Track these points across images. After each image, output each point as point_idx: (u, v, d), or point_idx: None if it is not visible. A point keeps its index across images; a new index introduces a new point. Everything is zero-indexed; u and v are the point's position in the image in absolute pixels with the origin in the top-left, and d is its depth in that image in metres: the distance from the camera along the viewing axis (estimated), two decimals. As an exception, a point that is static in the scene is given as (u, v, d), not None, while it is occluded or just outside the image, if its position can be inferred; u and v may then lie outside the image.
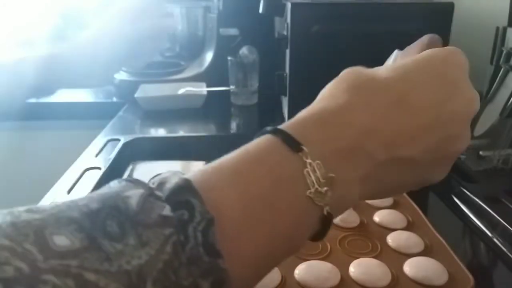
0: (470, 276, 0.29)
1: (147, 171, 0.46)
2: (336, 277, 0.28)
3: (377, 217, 0.36)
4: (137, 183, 0.15)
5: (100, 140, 0.53)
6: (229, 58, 0.68)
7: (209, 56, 0.77)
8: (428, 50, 0.21)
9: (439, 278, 0.28)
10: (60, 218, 0.13)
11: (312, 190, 0.17)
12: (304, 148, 0.17)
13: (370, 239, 0.33)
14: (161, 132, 0.61)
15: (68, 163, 0.46)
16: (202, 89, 0.69)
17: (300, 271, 0.28)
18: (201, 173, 0.17)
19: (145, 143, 0.53)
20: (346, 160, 0.18)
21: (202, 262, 0.14)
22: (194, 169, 0.17)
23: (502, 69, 0.42)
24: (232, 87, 0.69)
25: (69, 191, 0.40)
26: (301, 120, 0.19)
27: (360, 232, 0.34)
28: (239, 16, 0.71)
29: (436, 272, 0.29)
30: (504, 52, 0.42)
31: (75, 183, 0.42)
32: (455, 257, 0.31)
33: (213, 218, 0.14)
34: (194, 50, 0.83)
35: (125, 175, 0.46)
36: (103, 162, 0.46)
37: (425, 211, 0.37)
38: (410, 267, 0.29)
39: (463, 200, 0.39)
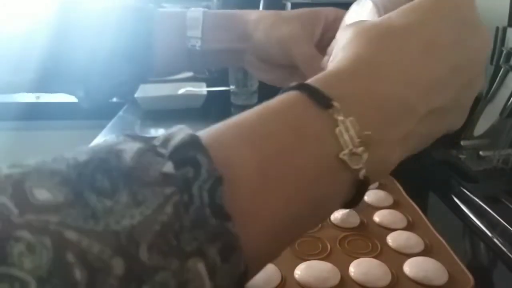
0: (470, 276, 0.29)
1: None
2: (336, 277, 0.28)
3: (377, 217, 0.36)
4: (137, 137, 0.14)
5: (100, 140, 0.53)
6: (229, 58, 0.68)
7: (209, 56, 0.77)
8: None
9: (439, 278, 0.28)
10: (43, 170, 0.12)
11: (346, 151, 0.15)
12: (335, 103, 0.15)
13: (370, 239, 0.33)
14: (161, 132, 0.61)
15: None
16: (202, 89, 0.69)
17: (300, 271, 0.29)
18: (213, 130, 0.15)
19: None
20: (386, 116, 0.16)
21: (208, 225, 0.12)
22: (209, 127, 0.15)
23: (502, 69, 0.42)
24: (232, 87, 0.69)
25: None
26: (328, 73, 0.17)
27: (360, 232, 0.34)
28: (239, 16, 0.71)
29: (436, 272, 0.29)
30: (504, 52, 0.42)
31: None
32: (455, 257, 0.31)
33: (221, 176, 0.13)
34: (194, 50, 0.83)
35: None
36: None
37: (425, 211, 0.37)
38: (410, 267, 0.29)
39: (463, 200, 0.39)
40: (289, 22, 0.30)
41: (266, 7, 0.54)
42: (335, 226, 0.34)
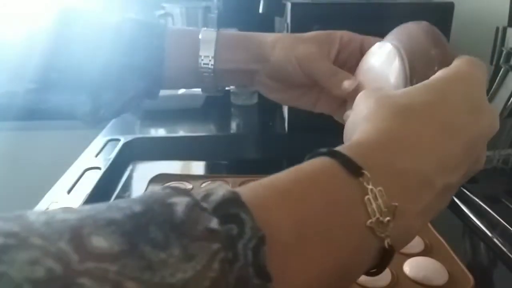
0: (470, 276, 0.29)
1: (147, 171, 0.46)
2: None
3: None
4: (181, 191, 0.14)
5: (100, 140, 0.53)
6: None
7: (209, 56, 0.77)
8: (449, 71, 0.21)
9: (439, 278, 0.28)
10: (99, 218, 0.12)
11: (373, 219, 0.16)
12: (366, 173, 0.16)
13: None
14: (161, 132, 0.61)
15: (68, 163, 0.46)
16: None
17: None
18: (249, 188, 0.15)
19: (145, 143, 0.53)
20: (409, 189, 0.17)
21: (251, 285, 0.13)
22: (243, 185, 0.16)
23: (502, 69, 0.42)
24: (232, 87, 0.69)
25: (69, 191, 0.40)
26: (357, 143, 0.18)
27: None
28: (239, 16, 0.71)
29: (436, 272, 0.29)
30: (504, 52, 0.42)
31: (75, 183, 0.42)
32: (455, 257, 0.31)
33: (265, 236, 0.13)
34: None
35: (125, 175, 0.46)
36: (103, 162, 0.46)
37: (425, 211, 0.37)
38: (410, 267, 0.29)
39: (463, 200, 0.39)
40: (306, 42, 0.31)
41: (266, 6, 0.54)
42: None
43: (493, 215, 0.35)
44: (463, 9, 0.51)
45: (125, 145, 0.51)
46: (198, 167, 0.50)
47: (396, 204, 0.16)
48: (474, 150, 0.19)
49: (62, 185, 0.41)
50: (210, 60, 0.31)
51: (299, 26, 0.48)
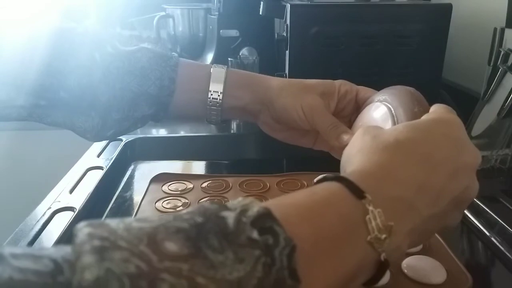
0: (468, 275, 0.29)
1: (148, 170, 0.47)
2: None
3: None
4: (224, 206, 0.17)
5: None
6: (229, 59, 0.69)
7: (209, 57, 0.77)
8: (431, 115, 0.24)
9: (437, 277, 0.29)
10: (169, 227, 0.15)
11: (373, 236, 0.19)
12: (368, 196, 0.19)
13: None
14: (162, 132, 0.62)
15: (70, 163, 0.47)
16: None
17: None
18: (276, 205, 0.18)
19: (146, 143, 0.53)
20: (401, 212, 0.20)
21: (285, 285, 0.15)
22: (266, 202, 0.19)
23: (500, 70, 0.42)
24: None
25: (71, 191, 0.40)
26: (356, 172, 0.21)
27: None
28: (239, 17, 0.72)
29: (435, 271, 0.29)
30: (502, 53, 0.42)
31: (78, 183, 0.42)
32: (453, 256, 0.31)
33: (296, 246, 0.16)
34: (194, 51, 0.83)
35: (127, 175, 0.47)
36: (105, 162, 0.47)
37: (423, 211, 0.37)
38: (408, 266, 0.30)
39: (461, 199, 0.39)
40: (312, 92, 0.34)
41: (266, 8, 0.55)
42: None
43: (491, 214, 0.35)
44: (461, 10, 0.52)
45: (127, 145, 0.51)
46: (198, 167, 0.50)
47: (392, 223, 0.19)
48: (459, 180, 0.22)
49: (64, 185, 0.41)
50: (218, 96, 0.34)
51: (298, 27, 0.48)
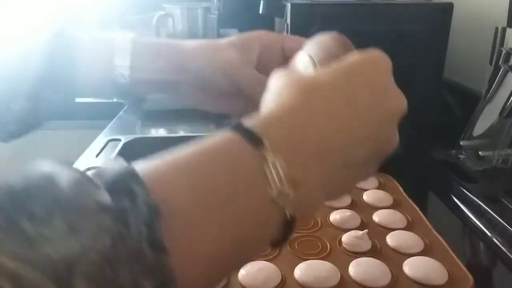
0: (470, 276, 0.29)
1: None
2: (335, 277, 0.28)
3: (376, 217, 0.36)
4: (72, 168, 0.14)
5: (100, 140, 0.53)
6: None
7: (209, 57, 0.77)
8: (354, 56, 0.22)
9: (439, 278, 0.28)
10: None
11: (274, 189, 0.16)
12: (266, 143, 0.16)
13: (370, 239, 0.33)
14: (161, 132, 0.61)
15: (69, 163, 0.46)
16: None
17: (300, 271, 0.29)
18: (150, 164, 0.15)
19: (145, 143, 0.53)
20: (309, 161, 0.17)
21: (145, 259, 0.12)
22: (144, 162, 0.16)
23: (502, 69, 0.42)
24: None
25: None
26: (259, 118, 0.18)
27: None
28: (239, 16, 0.71)
29: (436, 272, 0.29)
30: (504, 52, 0.42)
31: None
32: (455, 257, 0.31)
33: (159, 209, 0.13)
34: (194, 51, 0.83)
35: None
36: (103, 162, 0.46)
37: (424, 211, 0.37)
38: (409, 267, 0.29)
39: (462, 200, 0.39)
40: (227, 49, 0.30)
41: (266, 7, 0.55)
42: (334, 226, 0.34)
43: (492, 215, 0.35)
44: (462, 9, 0.51)
45: (126, 145, 0.51)
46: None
47: (298, 173, 0.16)
48: (382, 129, 0.20)
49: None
50: (125, 71, 0.30)
51: (299, 26, 0.48)
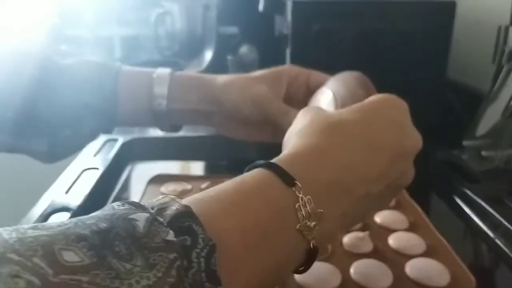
0: (472, 278, 0.29)
1: (146, 171, 0.46)
2: (337, 278, 0.28)
3: (378, 218, 0.35)
4: (139, 206, 0.16)
5: (98, 140, 0.52)
6: (228, 57, 0.68)
7: (208, 55, 0.76)
8: (375, 97, 0.24)
9: (441, 280, 0.28)
10: (69, 234, 0.14)
11: (302, 223, 0.18)
12: (298, 183, 0.19)
13: (371, 240, 0.32)
14: (160, 132, 0.61)
15: (66, 163, 0.46)
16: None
17: (301, 272, 0.28)
18: (199, 201, 0.17)
19: (144, 143, 0.52)
20: (332, 196, 0.20)
21: None
22: (189, 197, 0.18)
23: (504, 68, 0.42)
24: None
25: (67, 191, 0.40)
26: (289, 157, 0.20)
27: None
28: (238, 14, 0.71)
29: (438, 274, 0.29)
30: (506, 51, 0.41)
31: (73, 184, 0.41)
32: (457, 259, 0.31)
33: (215, 245, 0.15)
34: (193, 49, 0.82)
35: (124, 176, 0.46)
36: (102, 162, 0.46)
37: (427, 212, 0.37)
38: (411, 268, 0.29)
39: (465, 201, 0.38)
40: (258, 83, 0.33)
41: (266, 4, 0.54)
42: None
43: (495, 216, 0.35)
44: (465, 8, 0.51)
45: (124, 145, 0.50)
46: (197, 168, 0.49)
47: (322, 210, 0.19)
48: (398, 165, 0.22)
49: (60, 185, 0.41)
50: (163, 100, 0.33)
51: (300, 24, 0.47)
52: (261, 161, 0.20)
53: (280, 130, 0.33)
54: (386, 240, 0.32)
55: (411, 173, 0.23)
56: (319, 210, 0.19)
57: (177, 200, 0.16)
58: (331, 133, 0.21)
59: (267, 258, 0.17)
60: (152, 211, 0.16)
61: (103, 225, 0.14)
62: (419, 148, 0.23)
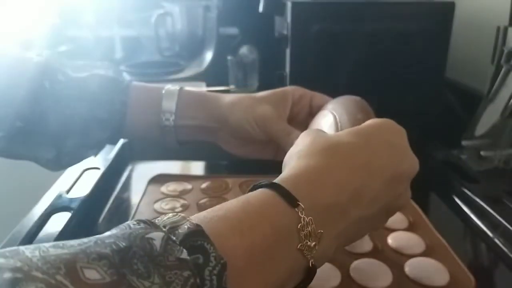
0: (472, 277, 0.29)
1: (146, 171, 0.46)
2: (336, 278, 0.28)
3: (377, 218, 0.35)
4: (152, 224, 0.17)
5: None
6: (228, 57, 0.68)
7: (208, 56, 0.76)
8: (373, 121, 0.24)
9: (440, 279, 0.28)
10: (90, 253, 0.14)
11: (303, 243, 0.19)
12: (301, 204, 0.19)
13: (371, 239, 0.33)
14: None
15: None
16: (202, 88, 0.68)
17: (301, 272, 0.28)
18: (209, 220, 0.18)
19: (144, 143, 0.52)
20: (330, 217, 0.20)
21: None
22: (197, 215, 0.19)
23: (503, 69, 0.42)
24: (232, 86, 0.69)
25: (68, 191, 0.40)
26: (291, 177, 0.21)
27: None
28: (239, 15, 0.71)
29: (437, 273, 0.29)
30: (505, 51, 0.41)
31: (74, 183, 0.41)
32: (456, 258, 0.31)
33: (226, 263, 0.16)
34: (193, 50, 0.82)
35: (125, 175, 0.46)
36: (102, 162, 0.46)
37: (426, 212, 0.37)
38: (411, 268, 0.29)
39: (464, 200, 0.39)
40: (262, 103, 0.34)
41: (266, 5, 0.54)
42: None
43: (494, 216, 0.35)
44: (464, 8, 0.51)
45: (125, 145, 0.51)
46: (198, 167, 0.49)
47: (322, 231, 0.20)
48: (394, 187, 0.22)
49: (61, 185, 0.41)
50: (171, 116, 0.34)
51: (299, 25, 0.48)
52: (265, 181, 0.21)
53: (283, 149, 0.34)
54: (385, 240, 0.33)
55: (407, 196, 0.24)
56: (319, 231, 0.19)
57: (187, 218, 0.17)
58: (329, 154, 0.22)
59: (270, 275, 0.18)
60: (164, 229, 0.16)
61: (122, 244, 0.15)
62: (416, 171, 0.24)
